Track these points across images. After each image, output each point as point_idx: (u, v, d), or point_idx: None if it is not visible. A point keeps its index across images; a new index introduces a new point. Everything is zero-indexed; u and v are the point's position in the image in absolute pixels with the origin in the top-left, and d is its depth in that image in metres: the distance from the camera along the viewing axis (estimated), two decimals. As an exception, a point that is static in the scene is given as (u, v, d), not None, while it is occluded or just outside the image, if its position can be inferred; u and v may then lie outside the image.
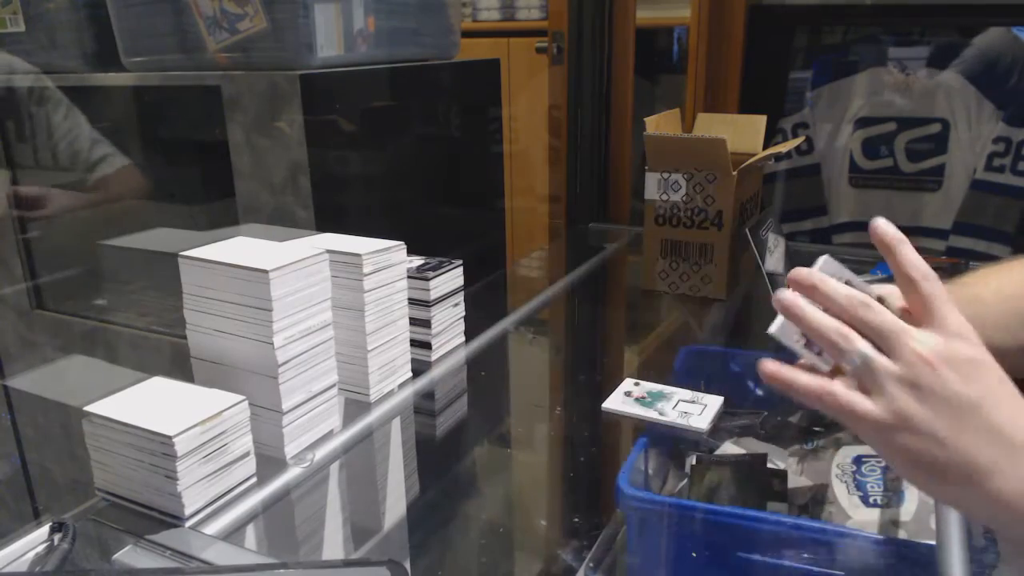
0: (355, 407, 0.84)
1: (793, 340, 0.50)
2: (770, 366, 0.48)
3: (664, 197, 1.19)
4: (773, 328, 0.50)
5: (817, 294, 0.47)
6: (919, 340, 0.44)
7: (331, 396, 0.78)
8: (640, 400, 0.84)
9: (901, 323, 0.45)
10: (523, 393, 1.05)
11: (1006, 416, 0.43)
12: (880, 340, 0.45)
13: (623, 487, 0.64)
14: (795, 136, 1.63)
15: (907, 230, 0.49)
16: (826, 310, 0.47)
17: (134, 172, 1.32)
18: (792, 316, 0.48)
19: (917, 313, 0.46)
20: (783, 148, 1.24)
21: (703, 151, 1.14)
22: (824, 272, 0.49)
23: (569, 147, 1.63)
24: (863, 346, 0.45)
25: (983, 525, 0.55)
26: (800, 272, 0.48)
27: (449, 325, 0.97)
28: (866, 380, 0.45)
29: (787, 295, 0.48)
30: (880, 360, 0.45)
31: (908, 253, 0.46)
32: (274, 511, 0.69)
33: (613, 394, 0.86)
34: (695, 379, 0.88)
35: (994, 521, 0.44)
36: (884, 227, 0.47)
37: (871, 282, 0.50)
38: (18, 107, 1.34)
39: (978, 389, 0.43)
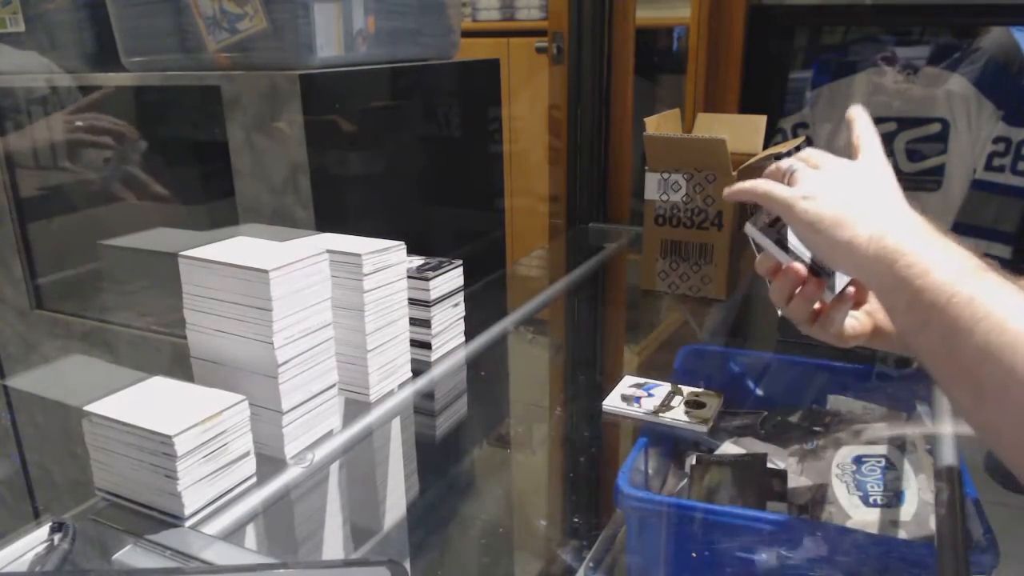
0: (355, 407, 0.84)
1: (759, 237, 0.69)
2: (729, 188, 0.69)
3: (664, 197, 1.19)
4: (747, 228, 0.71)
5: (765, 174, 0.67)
6: (832, 157, 0.64)
7: (331, 396, 0.78)
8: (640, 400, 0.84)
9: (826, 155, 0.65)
10: (523, 393, 1.05)
11: (871, 197, 0.59)
12: (812, 163, 0.64)
13: (623, 487, 0.64)
14: (795, 136, 1.63)
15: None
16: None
17: (136, 181, 1.33)
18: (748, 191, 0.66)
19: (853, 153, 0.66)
20: (783, 148, 1.24)
21: (703, 151, 1.14)
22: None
23: (569, 147, 1.63)
24: (792, 161, 0.65)
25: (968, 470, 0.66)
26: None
27: (449, 325, 0.97)
28: (794, 178, 0.63)
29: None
30: (803, 166, 0.64)
31: (861, 119, 0.67)
32: (274, 511, 0.69)
33: (612, 394, 0.86)
34: (695, 379, 0.88)
35: (846, 260, 0.58)
36: (856, 112, 0.68)
37: None
38: (46, 107, 1.34)
39: (859, 178, 0.61)
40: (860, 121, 0.67)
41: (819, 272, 0.65)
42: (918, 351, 0.52)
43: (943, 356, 0.49)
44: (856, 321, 0.68)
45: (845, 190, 0.60)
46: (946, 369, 0.49)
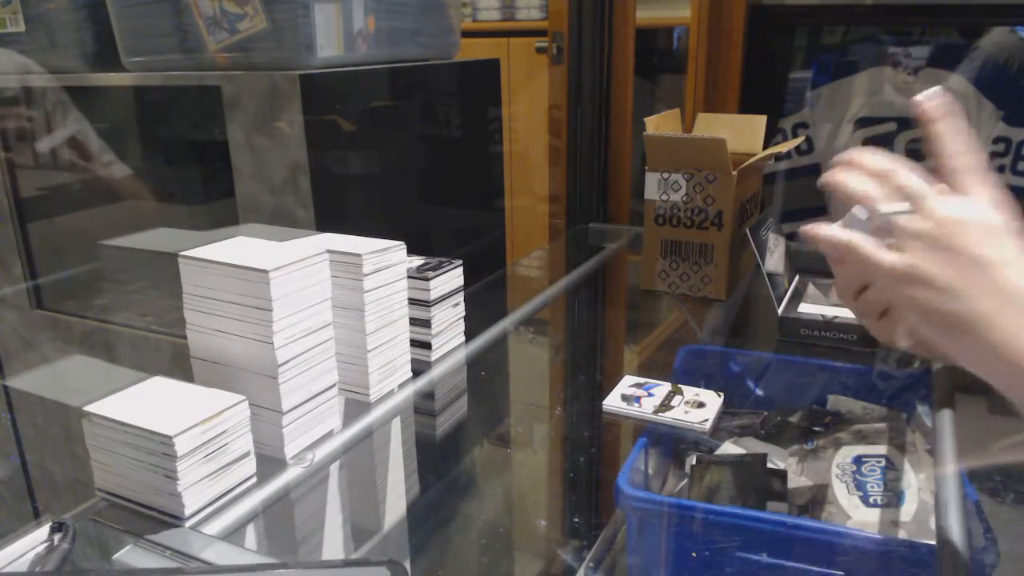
0: (355, 407, 0.84)
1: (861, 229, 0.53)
2: (810, 228, 0.54)
3: (664, 197, 1.19)
4: (844, 225, 0.53)
5: (856, 165, 0.52)
6: (942, 202, 0.48)
7: (331, 396, 0.78)
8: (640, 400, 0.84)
9: (927, 186, 0.49)
10: (523, 393, 1.05)
11: (1013, 278, 0.45)
12: (909, 201, 0.49)
13: (623, 487, 0.64)
14: (795, 136, 1.63)
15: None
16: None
17: (136, 181, 1.33)
18: (837, 188, 0.52)
19: (952, 184, 0.49)
20: (783, 148, 1.24)
21: (703, 151, 1.14)
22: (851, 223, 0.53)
23: (569, 147, 1.63)
24: (887, 207, 0.50)
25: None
26: (840, 156, 0.53)
27: (449, 325, 0.97)
28: (894, 236, 0.49)
29: (829, 174, 0.53)
30: (902, 219, 0.49)
31: (948, 127, 0.49)
32: (274, 511, 0.69)
33: (612, 393, 0.86)
34: (695, 379, 0.88)
35: (992, 373, 0.45)
36: (941, 118, 0.49)
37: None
38: (29, 107, 1.34)
39: (990, 251, 0.45)
40: (950, 133, 0.49)
41: None
42: None
43: None
44: None
45: (965, 280, 0.45)
46: None
